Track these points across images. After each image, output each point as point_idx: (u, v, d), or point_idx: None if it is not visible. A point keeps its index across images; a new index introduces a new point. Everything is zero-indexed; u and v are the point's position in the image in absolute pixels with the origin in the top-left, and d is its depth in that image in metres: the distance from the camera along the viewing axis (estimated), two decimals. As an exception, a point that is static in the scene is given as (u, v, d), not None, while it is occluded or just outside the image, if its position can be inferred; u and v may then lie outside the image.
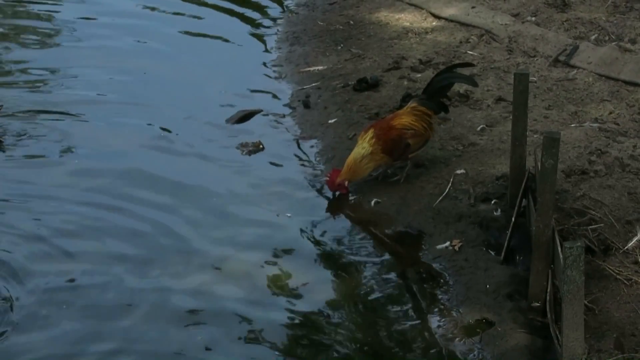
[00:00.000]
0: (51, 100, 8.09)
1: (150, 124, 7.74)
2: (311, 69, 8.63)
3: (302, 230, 6.45)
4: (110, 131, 7.65)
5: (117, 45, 9.22)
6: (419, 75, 8.13)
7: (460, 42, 8.67)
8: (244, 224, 6.51)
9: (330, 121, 7.71)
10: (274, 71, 8.74)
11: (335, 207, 6.72)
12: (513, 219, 5.93)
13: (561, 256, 4.91)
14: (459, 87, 7.57)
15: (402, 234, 6.39)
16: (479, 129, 7.24)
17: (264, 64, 8.89)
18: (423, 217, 6.44)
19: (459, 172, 6.74)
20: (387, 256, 6.22)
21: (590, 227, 5.87)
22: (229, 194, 6.83)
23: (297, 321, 5.64)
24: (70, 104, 8.02)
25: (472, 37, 8.72)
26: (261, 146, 7.41)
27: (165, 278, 5.92)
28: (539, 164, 5.33)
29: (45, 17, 9.89)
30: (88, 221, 6.44)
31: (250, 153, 7.35)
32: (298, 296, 5.83)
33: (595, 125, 7.09)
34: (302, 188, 6.92)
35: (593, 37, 8.35)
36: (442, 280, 5.92)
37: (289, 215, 6.60)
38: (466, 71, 7.42)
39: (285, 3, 10.28)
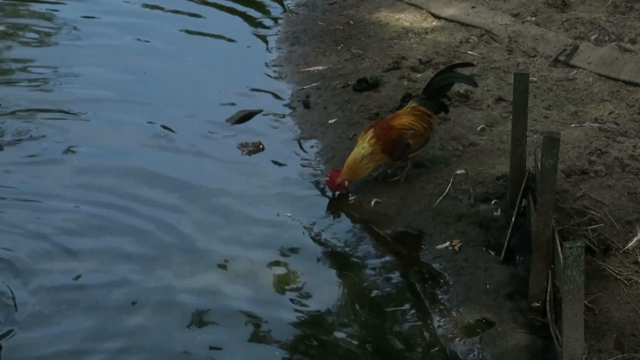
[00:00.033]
0: (52, 99, 8.10)
1: (150, 122, 7.75)
2: (311, 69, 8.63)
3: (302, 230, 6.45)
4: (111, 130, 7.66)
5: (118, 44, 9.23)
6: (419, 75, 8.13)
7: (460, 42, 8.67)
8: (243, 224, 6.51)
9: (330, 121, 7.71)
10: (274, 71, 8.75)
11: (335, 207, 6.73)
12: (513, 219, 5.93)
13: (561, 256, 4.91)
14: (459, 87, 7.57)
15: (402, 234, 6.40)
16: (479, 129, 7.24)
17: (264, 63, 8.89)
18: (423, 217, 6.44)
19: (459, 172, 6.74)
20: (387, 256, 6.22)
21: (590, 227, 5.87)
22: (229, 194, 6.83)
23: (300, 320, 5.64)
24: (71, 102, 8.03)
25: (472, 37, 8.73)
26: (261, 146, 7.42)
27: (169, 277, 5.93)
28: (539, 164, 5.33)
29: (47, 15, 9.90)
30: (91, 220, 6.45)
31: (250, 153, 7.35)
32: (300, 296, 5.84)
33: (595, 125, 7.10)
34: (302, 188, 6.92)
35: (593, 37, 8.35)
36: (442, 280, 5.92)
37: (289, 215, 6.60)
38: (466, 71, 7.42)
39: (286, 3, 10.28)
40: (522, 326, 5.39)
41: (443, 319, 5.60)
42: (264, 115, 7.91)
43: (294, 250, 6.26)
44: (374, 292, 5.90)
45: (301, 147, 7.44)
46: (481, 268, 5.90)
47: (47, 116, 7.80)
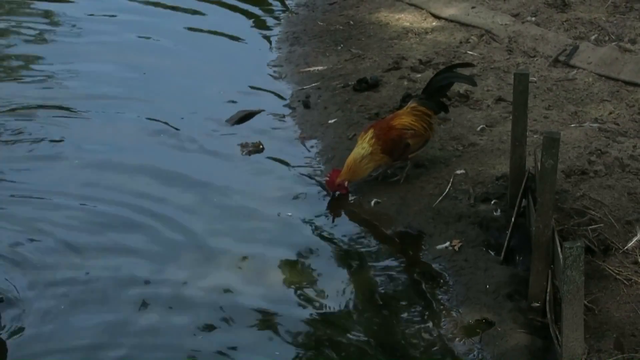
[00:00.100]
0: (54, 96, 8.13)
1: (151, 119, 7.77)
2: (311, 69, 8.63)
3: (302, 231, 6.45)
4: (112, 127, 7.67)
5: (119, 41, 9.25)
6: (419, 75, 8.13)
7: (460, 42, 8.67)
8: (243, 223, 6.52)
9: (330, 121, 7.71)
10: (274, 71, 8.75)
11: (335, 207, 6.72)
12: (513, 219, 5.93)
13: (561, 256, 4.91)
14: (459, 87, 7.57)
15: (402, 234, 6.39)
16: (479, 129, 7.24)
17: (264, 63, 8.89)
18: (423, 217, 6.44)
19: (459, 172, 6.74)
20: (386, 256, 6.22)
21: (590, 227, 5.87)
22: (229, 193, 6.83)
23: (302, 319, 5.64)
24: (72, 99, 8.06)
25: (472, 37, 8.73)
26: (261, 146, 7.42)
27: (180, 274, 5.94)
28: (539, 164, 5.33)
29: (48, 13, 9.92)
30: (97, 217, 6.46)
31: (250, 153, 7.35)
32: (301, 295, 5.84)
33: (595, 125, 7.09)
34: (302, 188, 6.92)
35: (593, 37, 8.35)
36: (442, 280, 5.92)
37: (289, 214, 6.60)
38: (466, 71, 7.42)
39: (286, 3, 10.28)
40: (522, 326, 5.38)
41: (443, 319, 5.60)
42: (264, 115, 7.91)
43: (293, 250, 6.26)
44: (374, 292, 5.89)
45: (301, 148, 7.44)
46: (481, 268, 5.90)
47: (48, 113, 7.81)
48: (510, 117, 6.20)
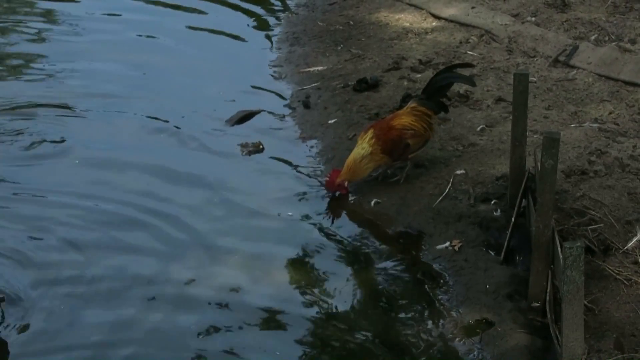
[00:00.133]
0: (54, 94, 8.14)
1: (150, 118, 7.78)
2: (311, 69, 8.64)
3: (303, 230, 6.46)
4: (113, 126, 7.69)
5: (120, 40, 9.27)
6: (419, 75, 8.13)
7: (460, 42, 8.67)
8: (246, 223, 6.52)
9: (330, 121, 7.71)
10: (274, 72, 8.75)
11: (335, 207, 6.73)
12: (513, 219, 5.94)
13: (561, 256, 4.91)
14: (459, 87, 7.57)
15: (402, 234, 6.40)
16: (478, 129, 7.24)
17: (264, 64, 8.89)
18: (423, 217, 6.44)
19: (458, 172, 6.74)
20: (387, 256, 6.22)
21: (590, 227, 5.88)
22: (230, 193, 6.84)
23: (306, 318, 5.65)
24: (73, 97, 8.08)
25: (472, 37, 8.73)
26: (261, 147, 7.42)
27: (184, 272, 5.95)
28: (539, 164, 5.34)
29: (49, 11, 9.93)
30: (100, 215, 6.47)
31: (250, 153, 7.36)
32: (306, 294, 5.84)
33: (595, 125, 7.10)
34: (302, 188, 6.93)
35: (593, 38, 8.36)
36: (442, 280, 5.93)
37: (290, 214, 6.61)
38: (466, 71, 7.43)
39: (286, 2, 10.29)
40: (522, 326, 5.39)
41: (443, 319, 5.60)
42: (264, 115, 7.92)
43: (293, 250, 6.26)
44: (376, 292, 5.90)
45: (301, 148, 7.44)
46: (481, 268, 5.90)
47: (50, 112, 7.82)
48: (510, 117, 6.20)
